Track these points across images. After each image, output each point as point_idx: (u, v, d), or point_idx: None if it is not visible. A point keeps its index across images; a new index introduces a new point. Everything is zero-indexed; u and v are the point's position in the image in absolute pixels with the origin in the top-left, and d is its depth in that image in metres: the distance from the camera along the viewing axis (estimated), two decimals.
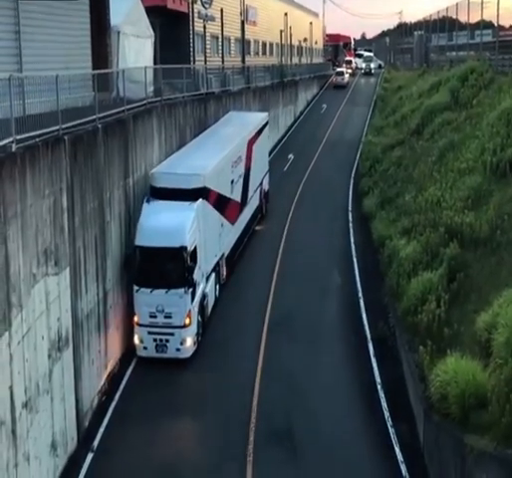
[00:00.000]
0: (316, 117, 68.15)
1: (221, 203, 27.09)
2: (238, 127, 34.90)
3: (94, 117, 20.08)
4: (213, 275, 25.60)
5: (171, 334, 21.99)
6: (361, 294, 27.91)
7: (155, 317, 22.04)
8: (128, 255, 22.37)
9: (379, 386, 21.28)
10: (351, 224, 37.04)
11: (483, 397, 15.54)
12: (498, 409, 14.65)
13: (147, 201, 23.49)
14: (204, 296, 23.97)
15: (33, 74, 17.17)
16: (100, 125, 20.21)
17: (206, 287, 24.40)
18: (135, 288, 22.16)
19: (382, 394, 20.87)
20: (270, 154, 49.95)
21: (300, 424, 19.50)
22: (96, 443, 18.59)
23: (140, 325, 22.22)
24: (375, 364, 22.52)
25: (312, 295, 27.92)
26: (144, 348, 22.24)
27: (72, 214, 17.82)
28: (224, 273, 27.75)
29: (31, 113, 16.02)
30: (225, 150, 29.17)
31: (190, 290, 22.13)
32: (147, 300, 22.00)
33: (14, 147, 14.47)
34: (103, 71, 23.59)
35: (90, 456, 18.05)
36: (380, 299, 26.33)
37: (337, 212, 39.43)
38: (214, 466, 17.78)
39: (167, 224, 22.39)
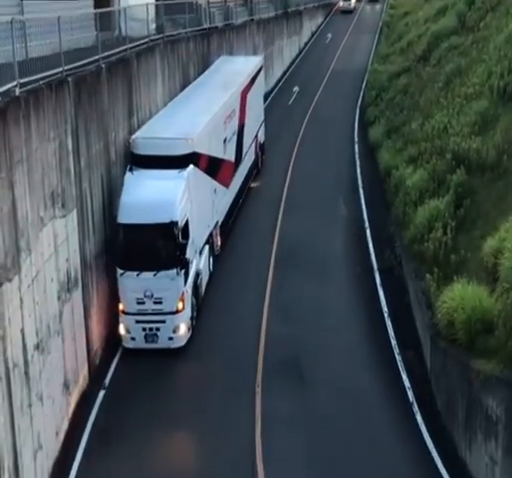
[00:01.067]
0: (321, 47, 66.75)
1: (214, 167, 24.20)
2: (230, 76, 30.87)
3: (97, 57, 19.68)
4: (207, 247, 22.94)
5: (162, 321, 19.42)
6: (367, 224, 27.72)
7: (144, 303, 19.34)
8: (109, 236, 19.86)
9: (385, 315, 21.27)
10: (357, 155, 36.56)
11: (489, 322, 15.48)
12: (504, 334, 14.59)
13: (130, 170, 20.73)
14: (198, 274, 21.37)
15: (34, 16, 16.72)
16: (103, 65, 19.80)
17: (200, 263, 21.78)
18: (119, 271, 19.41)
19: (388, 323, 20.88)
20: (275, 88, 49.12)
21: (307, 354, 19.55)
22: (107, 381, 18.75)
23: (127, 313, 19.52)
24: (381, 294, 22.48)
25: (318, 226, 27.73)
26: (132, 338, 19.57)
27: (77, 156, 17.68)
28: (219, 242, 25.05)
29: (33, 56, 15.70)
30: (216, 106, 25.74)
31: (183, 271, 19.61)
32: (134, 284, 19.30)
33: (18, 91, 14.22)
34: (104, 10, 22.95)
35: (101, 393, 18.22)
36: (386, 229, 26.15)
37: (343, 143, 38.89)
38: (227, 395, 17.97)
39: (154, 197, 19.79)
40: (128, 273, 19.30)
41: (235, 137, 28.05)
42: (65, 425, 16.41)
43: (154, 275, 19.24)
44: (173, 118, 23.78)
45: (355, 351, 19.75)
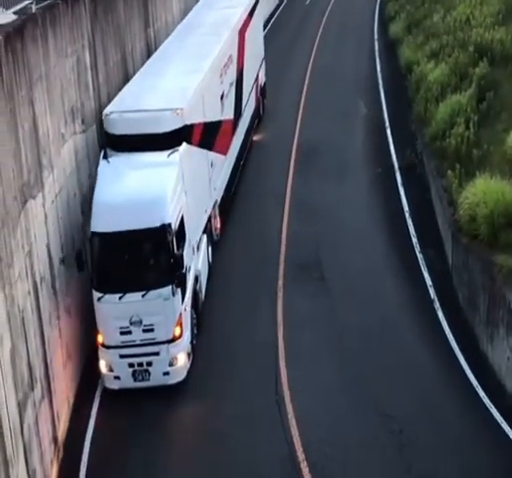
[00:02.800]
0: None
1: (210, 136, 19.47)
2: (224, 13, 24.85)
3: None
4: (204, 239, 18.23)
5: (155, 353, 15.17)
6: (388, 123, 27.08)
7: (130, 333, 14.98)
8: (78, 251, 15.43)
9: (406, 214, 20.99)
10: (377, 53, 35.50)
11: None
12: None
13: (104, 158, 16.23)
14: (196, 277, 16.86)
15: None
16: None
17: (198, 263, 17.22)
18: (97, 295, 14.92)
19: (409, 222, 20.62)
20: None
21: (329, 255, 19.42)
22: None
23: (108, 346, 15.10)
24: (402, 193, 22.13)
25: (338, 126, 27.12)
26: (116, 377, 15.25)
27: (95, 71, 17.33)
28: (218, 225, 20.31)
29: None
30: (210, 58, 20.33)
31: (179, 287, 15.30)
32: (116, 310, 14.90)
33: (34, 8, 13.82)
34: None
35: None
36: (407, 127, 25.52)
37: (362, 41, 37.72)
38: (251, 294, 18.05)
39: (138, 193, 15.20)
40: (109, 296, 14.84)
41: (233, 89, 22.89)
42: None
43: (143, 296, 14.85)
44: (156, 80, 18.66)
45: (376, 250, 19.58)
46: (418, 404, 14.29)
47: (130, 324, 14.91)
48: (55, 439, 13.45)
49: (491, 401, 14.20)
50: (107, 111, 16.81)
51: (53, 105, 14.45)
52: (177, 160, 16.03)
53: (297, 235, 20.31)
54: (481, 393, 14.43)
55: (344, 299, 17.69)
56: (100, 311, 15.03)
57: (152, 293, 14.89)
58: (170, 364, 15.23)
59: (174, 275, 15.00)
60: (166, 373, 15.22)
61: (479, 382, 14.72)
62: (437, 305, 17.16)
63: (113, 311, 14.94)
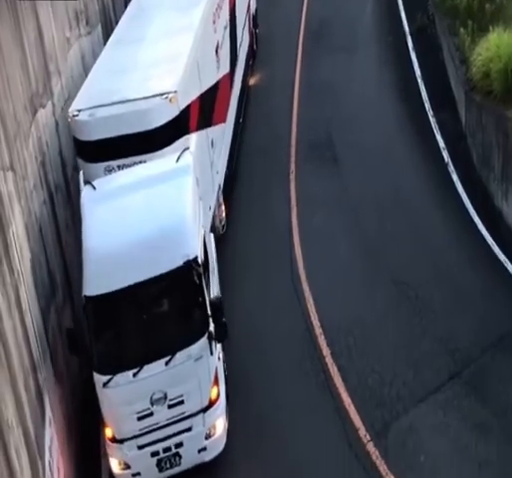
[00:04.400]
0: None
1: (208, 108, 14.84)
2: None
3: None
4: (211, 238, 13.49)
5: (187, 429, 11.17)
6: None
7: (151, 415, 10.88)
8: (69, 329, 11.16)
9: (419, 80, 20.33)
10: None
11: None
12: None
13: (88, 183, 11.85)
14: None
15: None
16: None
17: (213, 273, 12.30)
18: (101, 380, 10.61)
19: (422, 87, 19.99)
20: None
21: (340, 131, 18.92)
22: None
23: (121, 440, 10.91)
24: (414, 58, 21.38)
25: None
26: (136, 474, 11.09)
27: None
28: (223, 215, 15.78)
29: None
30: (199, 4, 15.58)
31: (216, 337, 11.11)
32: (131, 393, 10.71)
33: None
34: None
35: None
36: None
37: None
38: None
39: (147, 226, 10.79)
40: (119, 377, 10.57)
41: (228, 32, 17.99)
42: None
43: (167, 363, 10.69)
44: (132, 53, 13.93)
45: (389, 119, 19.07)
46: (435, 270, 14.16)
47: (152, 403, 10.78)
48: None
49: (508, 258, 14.12)
50: (72, 110, 12.47)
51: (56, 9, 13.85)
52: (190, 165, 11.61)
53: (309, 110, 19.82)
54: (496, 249, 14.35)
55: (359, 164, 17.38)
56: (107, 399, 10.70)
57: (180, 355, 10.69)
58: (207, 437, 11.26)
59: (206, 322, 10.76)
60: (202, 449, 11.26)
61: (495, 240, 14.59)
62: (451, 168, 16.82)
63: (126, 394, 10.66)
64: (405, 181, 16.70)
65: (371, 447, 11.15)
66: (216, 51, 16.14)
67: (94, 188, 11.60)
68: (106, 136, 12.20)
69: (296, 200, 16.63)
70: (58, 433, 10.62)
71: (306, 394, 12.23)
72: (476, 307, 13.26)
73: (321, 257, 15.00)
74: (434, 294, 13.60)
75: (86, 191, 11.62)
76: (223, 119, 16.47)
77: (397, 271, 14.28)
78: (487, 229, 14.83)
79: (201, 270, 10.61)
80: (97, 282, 10.43)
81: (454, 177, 16.54)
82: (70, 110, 12.54)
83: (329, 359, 12.71)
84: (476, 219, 15.17)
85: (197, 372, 10.85)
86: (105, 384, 10.55)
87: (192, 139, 12.95)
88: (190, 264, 10.51)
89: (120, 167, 12.27)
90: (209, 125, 14.71)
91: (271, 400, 12.19)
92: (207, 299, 10.79)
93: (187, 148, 12.13)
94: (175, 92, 12.44)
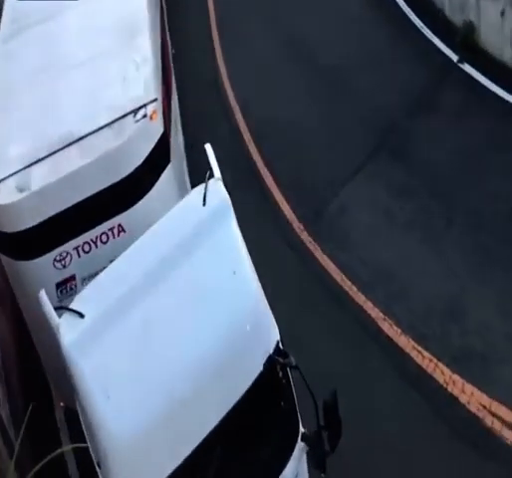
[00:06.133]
0: None
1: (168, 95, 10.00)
2: None
3: None
4: None
5: None
6: None
7: None
8: None
9: None
10: None
11: None
12: None
13: (64, 310, 6.20)
14: None
15: None
16: None
17: None
18: None
19: None
20: None
21: None
22: None
23: None
24: None
25: None
26: None
27: None
28: None
29: None
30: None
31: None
32: None
33: None
34: None
35: None
36: None
37: None
38: None
39: None
40: None
41: None
42: None
43: None
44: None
45: None
46: (361, 50, 13.62)
47: None
48: None
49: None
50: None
51: None
52: (227, 200, 6.66)
53: None
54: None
55: None
56: None
57: None
58: None
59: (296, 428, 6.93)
60: None
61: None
62: None
63: None
64: None
65: (304, 236, 11.23)
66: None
67: (81, 316, 6.06)
68: (49, 215, 7.46)
69: None
70: None
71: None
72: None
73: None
74: (359, 76, 13.19)
75: (66, 331, 6.01)
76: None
77: (321, 54, 13.83)
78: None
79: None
80: None
81: None
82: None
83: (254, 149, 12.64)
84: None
85: None
86: None
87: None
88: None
89: (82, 250, 7.70)
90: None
91: None
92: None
93: (212, 174, 6.77)
94: (155, 100, 7.99)
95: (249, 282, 6.48)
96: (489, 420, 8.40)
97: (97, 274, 6.61)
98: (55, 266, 7.63)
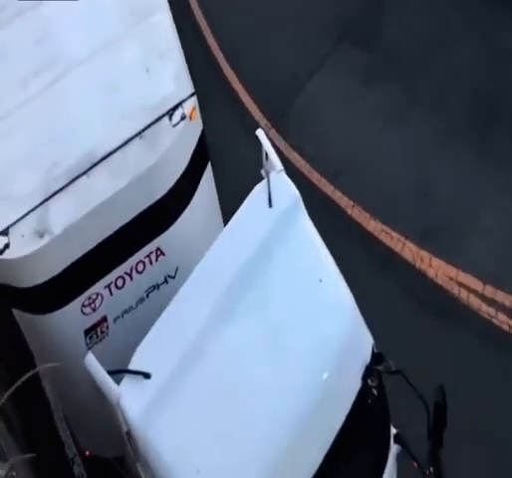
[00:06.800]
0: None
1: None
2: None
3: None
4: None
5: None
6: None
7: None
8: None
9: None
10: None
11: None
12: None
13: (125, 374, 5.03)
14: None
15: None
16: None
17: None
18: None
19: None
20: None
21: None
22: None
23: None
24: None
25: None
26: None
27: None
28: None
29: None
30: None
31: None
32: None
33: None
34: None
35: None
36: None
37: None
38: None
39: None
40: None
41: None
42: None
43: None
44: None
45: None
46: None
47: None
48: None
49: None
50: None
51: None
52: (297, 197, 5.59)
53: None
54: None
55: None
56: None
57: None
58: None
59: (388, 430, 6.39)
60: None
61: None
62: None
63: None
64: None
65: (273, 134, 11.21)
66: None
67: (147, 377, 4.82)
68: (76, 258, 5.87)
69: None
70: None
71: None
72: None
73: None
74: None
75: (130, 402, 4.79)
76: None
77: None
78: None
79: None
80: None
81: None
82: None
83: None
84: None
85: None
86: None
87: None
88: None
89: (114, 286, 6.13)
90: None
91: None
92: None
93: (276, 167, 5.73)
94: (193, 94, 6.21)
95: (340, 288, 5.52)
96: (456, 290, 8.56)
97: (132, 309, 5.60)
98: (83, 312, 6.09)
